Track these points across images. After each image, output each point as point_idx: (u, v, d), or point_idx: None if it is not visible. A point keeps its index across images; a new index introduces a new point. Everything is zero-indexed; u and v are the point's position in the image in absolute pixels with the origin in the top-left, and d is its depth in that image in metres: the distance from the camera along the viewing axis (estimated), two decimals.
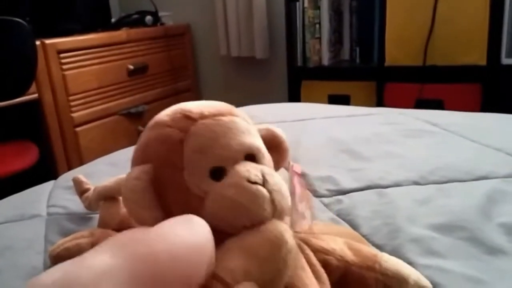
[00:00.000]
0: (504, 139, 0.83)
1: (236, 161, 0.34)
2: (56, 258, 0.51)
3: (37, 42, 1.55)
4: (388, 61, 1.75)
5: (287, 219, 0.36)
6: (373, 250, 0.43)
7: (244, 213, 0.32)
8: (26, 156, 1.59)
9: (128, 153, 0.96)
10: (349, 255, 0.41)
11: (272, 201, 0.32)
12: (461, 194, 0.64)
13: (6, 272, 0.51)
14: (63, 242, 0.52)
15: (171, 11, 2.45)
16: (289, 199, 0.34)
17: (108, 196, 0.58)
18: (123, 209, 0.56)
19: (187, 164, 0.34)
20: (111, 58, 2.01)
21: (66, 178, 0.79)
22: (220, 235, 0.32)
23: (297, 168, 0.39)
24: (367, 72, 1.86)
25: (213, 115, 0.35)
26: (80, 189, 0.61)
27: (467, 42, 1.61)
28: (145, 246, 0.27)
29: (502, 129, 0.91)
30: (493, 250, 0.51)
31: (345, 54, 2.00)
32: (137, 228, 0.31)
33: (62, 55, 1.80)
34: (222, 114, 0.35)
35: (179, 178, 0.34)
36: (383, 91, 1.79)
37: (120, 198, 0.59)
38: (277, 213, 0.33)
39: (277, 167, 0.39)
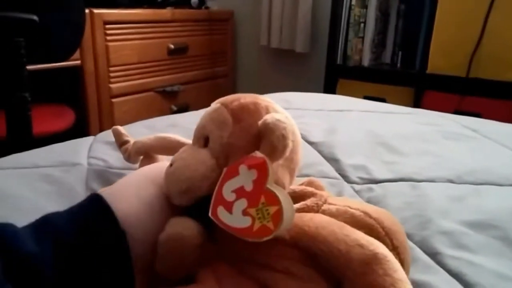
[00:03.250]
0: None
1: (197, 141, 0.42)
2: None
3: (86, 11, 1.59)
4: (430, 69, 1.72)
5: None
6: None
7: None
8: (62, 119, 1.64)
9: (166, 120, 0.98)
10: None
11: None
12: (496, 196, 0.63)
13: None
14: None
15: None
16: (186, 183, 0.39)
17: (146, 153, 0.59)
18: None
19: None
20: (154, 35, 2.05)
21: (105, 135, 0.81)
22: None
23: (255, 159, 0.34)
24: (406, 78, 1.84)
25: (229, 106, 0.41)
26: (119, 140, 0.61)
27: None
28: None
29: None
30: None
31: (387, 57, 1.97)
32: None
33: (107, 26, 1.84)
34: (231, 107, 0.41)
35: None
36: (421, 98, 1.77)
37: (157, 156, 0.60)
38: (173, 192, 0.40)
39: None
